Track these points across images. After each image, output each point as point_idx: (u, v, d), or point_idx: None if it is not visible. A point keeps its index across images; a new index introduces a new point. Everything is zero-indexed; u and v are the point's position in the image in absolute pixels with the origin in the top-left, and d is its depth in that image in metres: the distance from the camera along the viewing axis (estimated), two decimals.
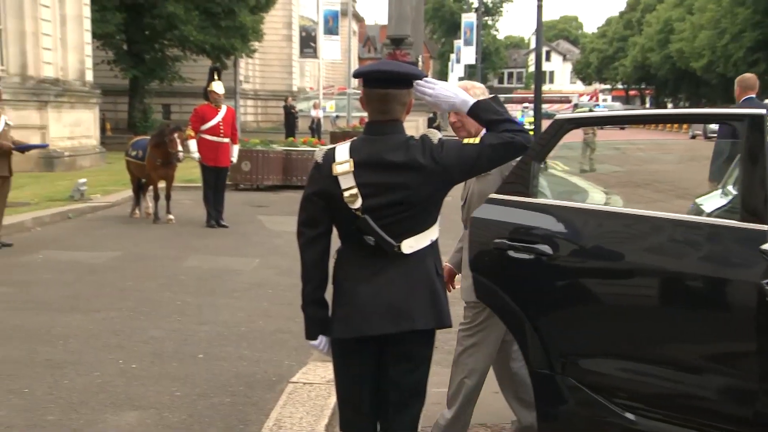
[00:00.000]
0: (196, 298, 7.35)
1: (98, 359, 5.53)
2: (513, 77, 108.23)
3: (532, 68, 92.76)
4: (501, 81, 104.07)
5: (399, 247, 2.86)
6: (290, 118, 31.25)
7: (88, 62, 22.69)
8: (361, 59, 71.87)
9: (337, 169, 2.86)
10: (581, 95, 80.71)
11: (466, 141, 2.95)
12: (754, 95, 8.02)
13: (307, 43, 31.24)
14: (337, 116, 34.38)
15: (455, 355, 4.00)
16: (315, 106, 33.36)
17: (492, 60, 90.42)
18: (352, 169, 2.84)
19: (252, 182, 16.63)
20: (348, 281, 2.95)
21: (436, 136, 2.93)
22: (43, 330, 6.20)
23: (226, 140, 11.74)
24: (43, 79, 19.60)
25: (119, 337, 6.07)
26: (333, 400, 4.58)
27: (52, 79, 19.98)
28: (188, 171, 15.55)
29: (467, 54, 50.87)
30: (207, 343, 5.97)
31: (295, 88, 46.00)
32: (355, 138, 2.99)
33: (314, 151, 15.65)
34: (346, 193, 2.84)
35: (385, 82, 2.88)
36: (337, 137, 21.32)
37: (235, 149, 12.16)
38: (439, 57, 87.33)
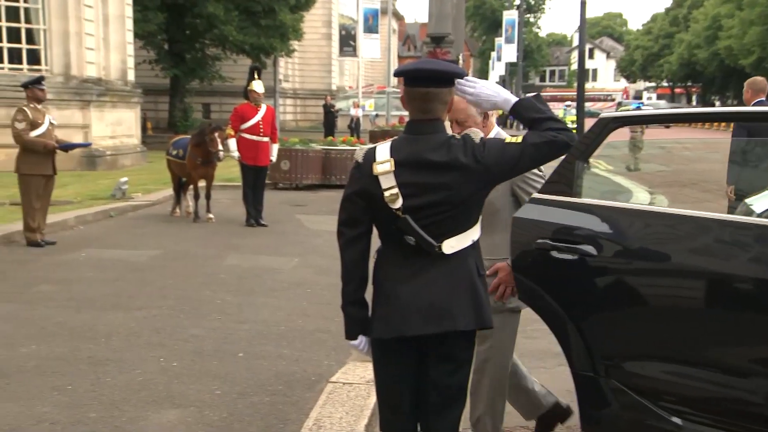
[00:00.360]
0: (236, 297, 7.38)
1: (140, 357, 5.57)
2: (555, 75, 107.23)
3: (574, 66, 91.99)
4: (543, 79, 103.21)
5: (440, 248, 2.84)
6: (329, 117, 31.32)
7: (130, 62, 22.95)
8: (400, 57, 71.88)
9: (378, 168, 2.84)
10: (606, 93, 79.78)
11: (508, 140, 2.91)
12: (764, 98, 7.93)
13: (347, 42, 31.33)
14: (377, 115, 34.42)
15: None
16: (354, 105, 33.42)
17: (534, 58, 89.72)
18: (393, 168, 2.82)
19: (291, 181, 16.69)
20: (388, 281, 2.93)
21: (477, 135, 2.89)
22: (85, 327, 6.27)
23: (266, 139, 11.78)
24: (86, 79, 19.86)
25: (160, 335, 6.11)
26: (372, 400, 4.56)
27: (94, 78, 20.24)
28: (227, 170, 15.66)
29: (508, 52, 50.61)
30: (247, 341, 5.98)
31: (334, 87, 46.14)
32: (395, 137, 2.97)
33: (353, 150, 15.76)
34: (386, 193, 2.82)
35: (426, 81, 2.85)
36: (376, 136, 21.33)
37: (275, 148, 12.21)
38: (480, 55, 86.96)
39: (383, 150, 2.88)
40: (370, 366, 5.19)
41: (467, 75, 3.03)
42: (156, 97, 33.89)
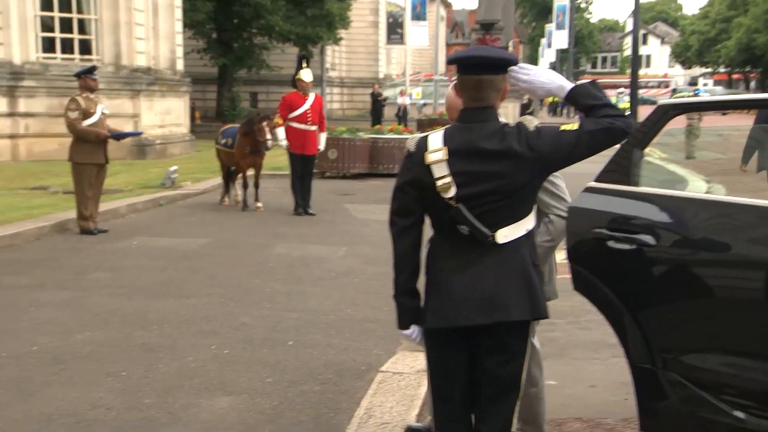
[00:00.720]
0: (285, 286, 7.41)
1: (191, 344, 5.62)
2: (607, 61, 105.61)
3: (626, 52, 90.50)
4: (594, 65, 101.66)
5: (494, 237, 2.79)
6: (377, 105, 31.26)
7: (179, 51, 23.17)
8: (448, 45, 71.47)
9: (430, 157, 2.81)
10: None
11: (563, 127, 2.85)
12: None
13: (394, 30, 31.24)
14: (424, 103, 34.30)
15: None
16: (401, 94, 33.31)
17: (585, 44, 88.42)
18: (446, 157, 2.79)
19: (338, 170, 16.71)
20: (441, 271, 2.90)
21: (532, 123, 2.84)
22: (138, 314, 6.35)
23: (314, 128, 11.80)
24: (136, 68, 20.10)
25: (211, 323, 6.16)
26: (423, 390, 4.55)
27: (144, 68, 20.48)
28: (275, 159, 15.71)
29: (559, 38, 50.05)
30: (296, 330, 6.00)
31: (381, 75, 46.06)
32: (448, 125, 2.93)
33: (400, 139, 15.69)
34: (439, 182, 2.79)
35: (479, 68, 2.81)
36: (423, 124, 21.26)
37: (323, 137, 12.22)
38: (529, 42, 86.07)
39: (436, 139, 2.85)
40: (420, 356, 5.20)
41: (521, 62, 2.98)
42: (204, 86, 34.17)
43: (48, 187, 13.35)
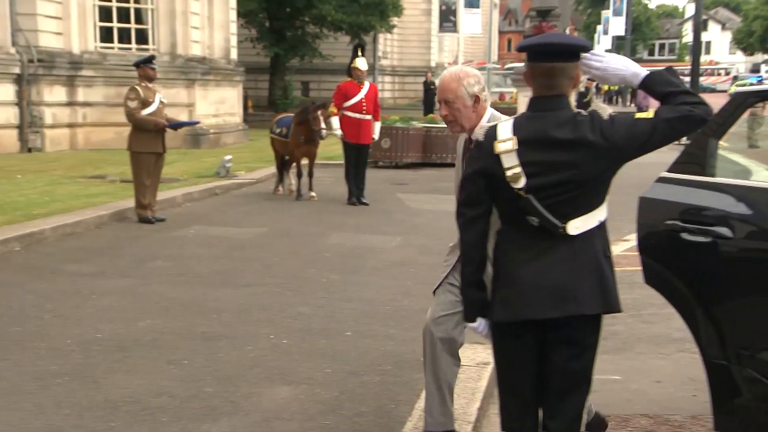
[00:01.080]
0: (341, 275, 7.41)
1: (250, 333, 5.64)
2: (665, 48, 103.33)
3: (686, 39, 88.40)
4: (651, 53, 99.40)
5: (564, 228, 2.73)
6: (429, 94, 31.03)
7: (233, 40, 23.32)
8: (501, 33, 70.74)
9: (500, 147, 2.75)
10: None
11: (638, 115, 2.77)
12: None
13: (447, 17, 30.99)
14: None
15: None
16: None
17: (642, 31, 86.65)
18: (516, 147, 2.74)
19: (392, 159, 16.67)
20: (509, 263, 2.85)
21: (606, 111, 2.77)
22: (197, 303, 6.40)
23: (369, 117, 11.76)
24: (191, 58, 20.28)
25: (269, 312, 6.17)
26: (484, 383, 4.50)
27: (199, 57, 20.65)
28: (328, 148, 15.74)
29: (616, 25, 49.08)
30: (353, 320, 5.99)
31: (433, 64, 45.78)
32: (517, 115, 2.87)
33: None
34: (508, 173, 2.73)
35: (551, 55, 2.74)
36: None
37: (377, 126, 12.18)
38: (585, 29, 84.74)
39: (505, 128, 2.80)
40: (479, 348, 5.15)
41: (593, 49, 2.90)
42: (256, 75, 34.31)
43: (106, 175, 13.55)
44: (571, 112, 2.75)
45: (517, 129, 2.77)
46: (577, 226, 2.75)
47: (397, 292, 6.83)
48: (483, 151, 2.81)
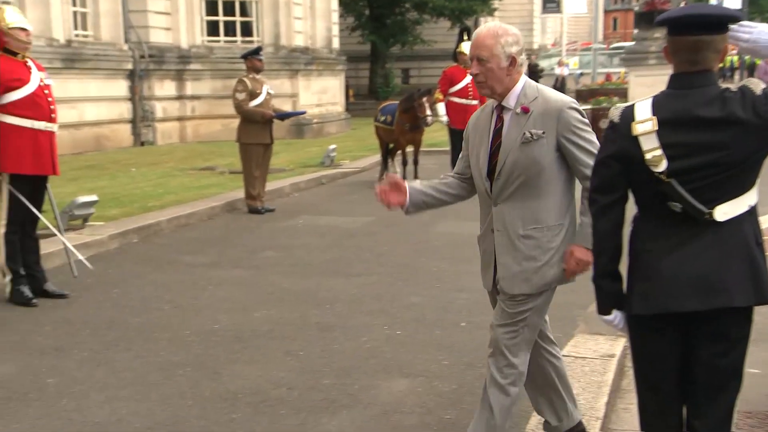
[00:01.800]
0: (451, 265, 7.32)
1: (364, 324, 5.62)
2: None
3: None
4: None
5: (711, 214, 2.56)
6: (533, 77, 30.33)
7: (335, 29, 23.49)
8: (607, 12, 68.82)
9: (638, 128, 2.61)
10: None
11: None
12: None
13: None
14: (581, 73, 33.31)
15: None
16: (560, 64, 32.46)
17: (759, 3, 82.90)
18: (656, 128, 2.58)
19: None
20: (648, 253, 2.69)
21: (758, 86, 2.57)
22: (310, 293, 6.43)
23: (475, 102, 11.55)
24: (294, 48, 20.51)
25: (381, 302, 6.15)
26: (610, 376, 4.35)
27: (302, 47, 20.87)
28: (432, 135, 15.62)
29: None
30: (467, 311, 5.90)
31: (535, 46, 45.03)
32: (657, 93, 2.71)
33: None
34: (648, 155, 2.58)
35: (695, 28, 2.57)
36: (583, 95, 20.60)
37: None
38: (695, 2, 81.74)
39: (643, 107, 2.64)
40: (601, 339, 4.98)
41: (742, 20, 2.71)
42: (357, 63, 34.45)
43: (215, 167, 13.84)
44: (718, 88, 2.58)
45: (656, 108, 2.62)
46: (725, 212, 2.58)
47: None
48: (619, 133, 2.67)
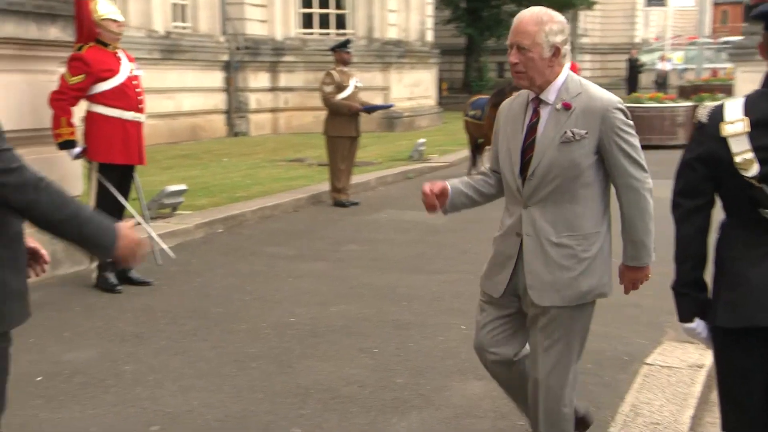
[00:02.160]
0: None
1: (441, 323, 5.51)
2: None
3: None
4: None
5: None
6: (633, 72, 29.83)
7: (429, 22, 23.36)
8: (716, 4, 66.43)
9: (728, 129, 2.43)
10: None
11: None
12: None
13: None
14: (685, 69, 32.24)
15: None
16: (662, 59, 31.52)
17: None
18: (748, 129, 2.40)
19: None
20: (736, 261, 2.51)
21: None
22: (389, 289, 6.35)
23: None
24: (387, 41, 20.50)
25: (461, 301, 6.01)
26: (697, 388, 4.12)
27: (395, 40, 20.84)
28: None
29: None
30: None
31: (637, 40, 43.83)
32: (750, 92, 2.51)
33: (660, 107, 14.61)
34: (738, 158, 2.41)
35: None
36: (686, 91, 19.90)
37: None
38: None
39: (734, 107, 2.46)
40: (690, 348, 4.74)
41: None
42: (451, 57, 34.25)
43: (304, 159, 13.94)
44: None
45: (749, 108, 2.43)
46: None
47: None
48: (707, 134, 2.49)
